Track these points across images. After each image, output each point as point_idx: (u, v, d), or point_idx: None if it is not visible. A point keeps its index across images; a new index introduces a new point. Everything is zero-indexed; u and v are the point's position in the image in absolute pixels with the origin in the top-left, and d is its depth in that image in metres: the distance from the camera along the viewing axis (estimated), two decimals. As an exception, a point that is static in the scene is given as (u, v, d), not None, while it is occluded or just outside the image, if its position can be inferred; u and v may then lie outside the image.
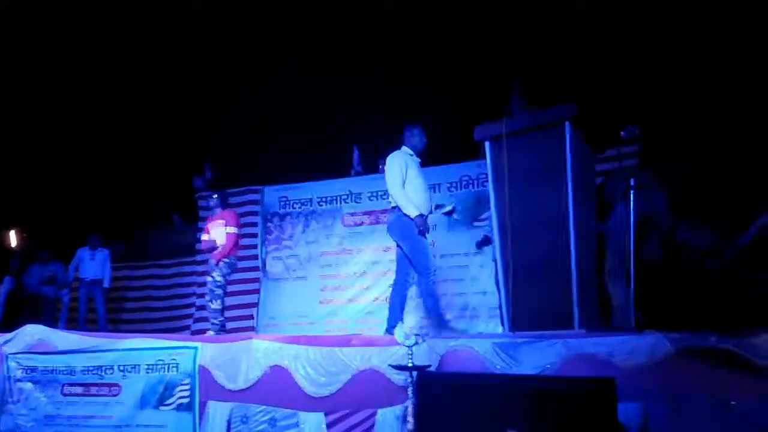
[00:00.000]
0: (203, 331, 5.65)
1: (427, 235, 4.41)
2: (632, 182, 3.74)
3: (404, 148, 4.58)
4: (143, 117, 8.71)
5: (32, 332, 4.65)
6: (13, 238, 8.38)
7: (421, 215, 4.34)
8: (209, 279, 5.54)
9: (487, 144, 4.03)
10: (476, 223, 6.30)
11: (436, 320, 4.38)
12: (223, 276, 5.48)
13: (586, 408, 2.68)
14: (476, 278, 6.27)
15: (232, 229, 5.59)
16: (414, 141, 4.60)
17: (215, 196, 5.94)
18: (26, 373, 4.52)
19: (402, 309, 4.32)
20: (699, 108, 5.63)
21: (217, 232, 5.64)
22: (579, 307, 3.49)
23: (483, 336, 3.97)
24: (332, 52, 7.65)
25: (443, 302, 6.34)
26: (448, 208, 5.32)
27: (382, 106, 7.25)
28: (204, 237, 5.78)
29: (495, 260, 4.07)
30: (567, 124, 3.71)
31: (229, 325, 7.17)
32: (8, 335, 4.71)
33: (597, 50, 5.84)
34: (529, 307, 3.68)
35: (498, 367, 3.33)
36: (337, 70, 7.79)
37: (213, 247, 5.56)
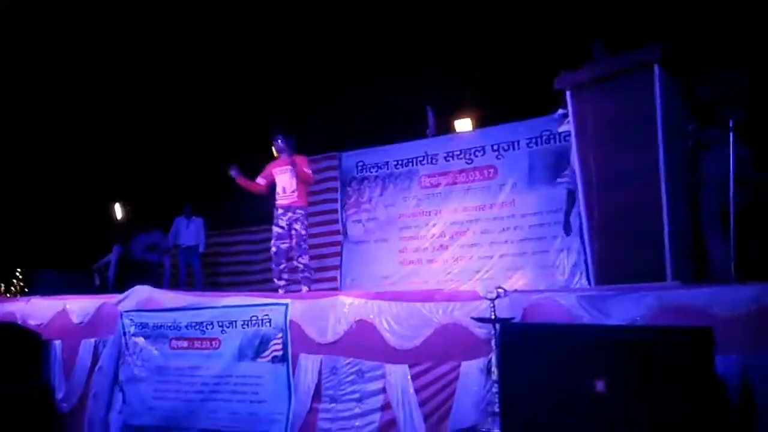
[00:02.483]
0: (292, 291, 5.89)
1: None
2: (731, 122, 3.46)
3: None
4: (223, 88, 9.04)
5: (141, 292, 5.09)
6: (118, 211, 9.15)
7: None
8: (294, 232, 5.31)
9: (568, 93, 3.89)
10: (558, 180, 6.10)
11: None
12: (306, 228, 5.41)
13: (681, 359, 2.58)
14: (557, 236, 6.11)
15: (309, 171, 5.42)
16: None
17: (279, 139, 5.54)
18: (139, 329, 4.96)
19: None
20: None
21: (284, 178, 5.39)
22: (672, 259, 3.34)
23: (568, 289, 3.90)
24: (402, 10, 7.52)
25: (524, 260, 6.31)
26: None
27: (456, 62, 7.07)
28: (260, 181, 5.53)
29: (579, 214, 3.95)
30: (655, 66, 3.49)
31: (314, 287, 7.52)
32: (121, 295, 5.20)
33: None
34: (617, 260, 3.57)
35: (584, 319, 3.26)
36: (408, 30, 7.67)
37: (261, 193, 5.44)
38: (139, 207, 9.25)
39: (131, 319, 5.00)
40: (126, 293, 5.16)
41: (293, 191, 5.37)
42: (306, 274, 5.35)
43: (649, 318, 3.09)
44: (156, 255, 8.44)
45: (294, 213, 5.36)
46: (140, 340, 4.93)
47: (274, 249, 5.48)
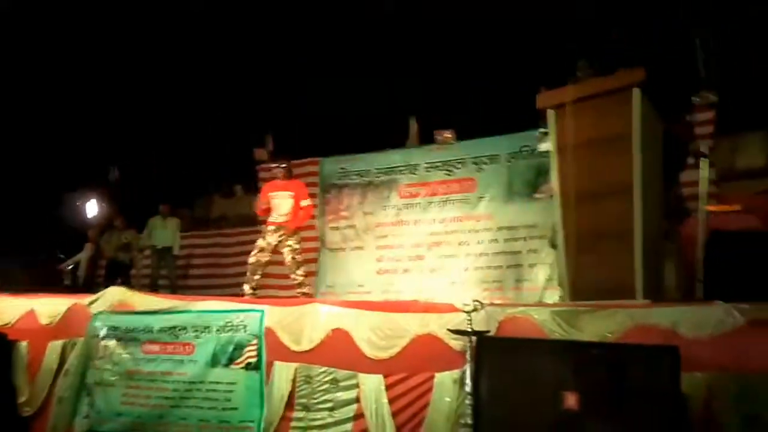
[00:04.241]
0: (268, 297, 5.85)
1: None
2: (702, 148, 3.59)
3: None
4: (206, 90, 8.98)
5: (114, 294, 5.00)
6: (91, 208, 8.96)
7: None
8: (287, 248, 5.54)
9: (550, 112, 3.96)
10: (536, 195, 6.19)
11: None
12: (299, 243, 5.71)
13: (648, 376, 2.66)
14: (533, 250, 6.20)
15: (309, 202, 5.84)
16: None
17: (283, 165, 5.94)
18: (110, 332, 4.86)
19: None
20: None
21: (284, 202, 5.68)
22: (643, 277, 3.42)
23: (543, 305, 3.96)
24: (391, 25, 7.61)
25: (499, 273, 6.37)
26: None
27: (440, 76, 7.17)
28: (262, 206, 5.77)
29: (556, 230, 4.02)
30: (635, 89, 3.59)
31: (289, 293, 7.46)
32: (93, 297, 5.09)
33: (670, 12, 5.53)
34: (590, 276, 3.64)
35: (557, 334, 3.32)
36: (393, 42, 7.75)
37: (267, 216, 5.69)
38: (112, 204, 9.09)
39: (102, 321, 4.90)
40: (98, 294, 5.07)
41: (287, 213, 5.64)
42: (305, 290, 5.61)
43: (619, 335, 3.17)
44: (128, 255, 8.27)
45: (285, 231, 5.58)
46: (111, 343, 4.84)
47: (253, 260, 5.59)
